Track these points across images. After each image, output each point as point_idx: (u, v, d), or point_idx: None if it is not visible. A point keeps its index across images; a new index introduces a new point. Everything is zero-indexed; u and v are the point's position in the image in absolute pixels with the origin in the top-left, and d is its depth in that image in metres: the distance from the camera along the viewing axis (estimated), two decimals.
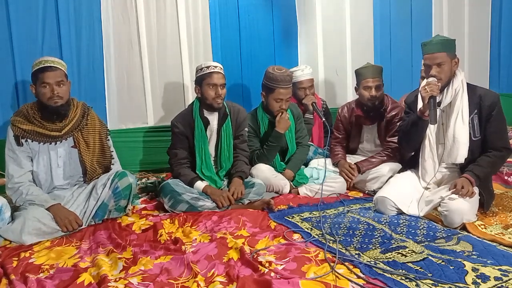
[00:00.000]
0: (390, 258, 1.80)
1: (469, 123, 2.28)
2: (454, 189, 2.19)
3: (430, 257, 1.78)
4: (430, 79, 2.27)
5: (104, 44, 3.19)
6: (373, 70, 2.91)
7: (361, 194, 2.84)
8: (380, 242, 1.98)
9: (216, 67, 2.68)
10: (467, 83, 2.35)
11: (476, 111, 2.29)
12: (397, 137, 2.80)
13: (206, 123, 2.71)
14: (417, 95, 2.41)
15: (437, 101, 2.31)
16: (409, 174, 2.55)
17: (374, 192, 2.69)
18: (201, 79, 2.67)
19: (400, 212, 2.36)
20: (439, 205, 2.23)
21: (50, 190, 2.40)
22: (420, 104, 2.33)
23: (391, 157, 2.91)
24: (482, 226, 2.12)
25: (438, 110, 2.33)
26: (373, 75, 2.89)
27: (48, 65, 2.27)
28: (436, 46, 2.28)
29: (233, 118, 2.80)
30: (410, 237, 2.04)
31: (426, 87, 2.24)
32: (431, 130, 2.38)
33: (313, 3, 4.04)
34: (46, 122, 2.32)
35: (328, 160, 3.07)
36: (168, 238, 2.10)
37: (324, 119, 3.17)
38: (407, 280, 1.60)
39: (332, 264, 1.74)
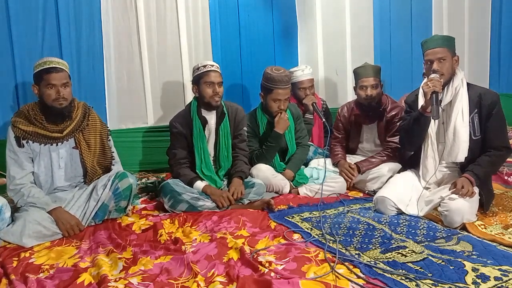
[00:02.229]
0: (390, 258, 1.80)
1: (469, 122, 2.28)
2: (454, 189, 2.20)
3: (430, 257, 1.78)
4: (432, 75, 2.28)
5: (104, 44, 3.19)
6: (369, 69, 2.91)
7: (361, 194, 2.84)
8: (380, 242, 1.98)
9: (212, 65, 2.69)
10: (467, 83, 2.36)
11: (476, 110, 2.29)
12: (397, 137, 2.80)
13: (204, 122, 2.71)
14: (417, 95, 2.41)
15: (439, 98, 2.31)
16: (409, 174, 2.55)
17: (374, 192, 2.69)
18: (198, 78, 2.68)
19: (400, 212, 2.36)
20: (439, 205, 2.23)
21: (51, 191, 2.39)
22: (421, 101, 2.33)
23: (391, 157, 2.91)
24: (482, 226, 2.12)
25: (439, 108, 2.33)
26: (369, 74, 2.89)
27: (54, 66, 2.26)
28: (437, 41, 2.32)
29: (231, 118, 2.80)
30: (410, 237, 2.04)
31: (428, 82, 2.25)
32: (432, 129, 2.39)
33: (313, 3, 4.04)
34: (48, 124, 2.31)
35: (328, 160, 3.07)
36: (168, 238, 2.10)
37: (324, 120, 3.17)
38: (407, 280, 1.60)
39: (332, 264, 1.74)
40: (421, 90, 2.35)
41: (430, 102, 2.24)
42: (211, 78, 2.65)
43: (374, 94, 2.90)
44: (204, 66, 2.68)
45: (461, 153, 2.28)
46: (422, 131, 2.39)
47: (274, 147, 2.92)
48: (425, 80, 2.31)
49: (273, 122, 2.93)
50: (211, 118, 2.74)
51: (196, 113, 2.71)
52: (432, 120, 2.34)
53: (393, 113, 2.95)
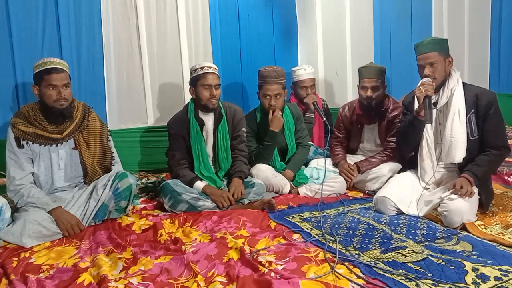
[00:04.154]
0: (390, 258, 1.80)
1: (466, 122, 2.28)
2: (453, 189, 2.20)
3: (430, 257, 1.78)
4: (425, 79, 2.29)
5: (104, 44, 3.19)
6: (372, 70, 2.90)
7: (361, 194, 2.84)
8: (380, 242, 1.98)
9: (210, 67, 2.67)
10: (463, 83, 2.36)
11: (473, 110, 2.29)
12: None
13: (201, 124, 2.70)
14: (414, 96, 2.42)
15: (434, 101, 2.33)
16: (409, 174, 2.55)
17: (374, 192, 2.69)
18: (196, 80, 2.66)
19: (400, 212, 2.36)
20: (439, 205, 2.23)
21: (51, 191, 2.39)
22: (417, 105, 2.34)
23: (391, 157, 2.91)
24: (482, 226, 2.13)
25: (434, 110, 2.35)
26: (371, 75, 2.88)
27: (54, 66, 2.26)
28: (427, 46, 2.32)
29: (229, 119, 2.80)
30: (410, 237, 2.04)
31: (420, 87, 2.27)
32: (429, 130, 2.39)
33: (313, 3, 4.04)
34: (48, 125, 2.31)
35: (328, 160, 3.07)
36: (168, 238, 2.10)
37: (324, 119, 3.17)
38: (407, 280, 1.60)
39: (332, 264, 1.74)
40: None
41: (423, 107, 2.25)
42: (208, 80, 2.63)
43: (374, 96, 2.89)
44: (202, 68, 2.66)
45: (459, 154, 2.28)
46: (417, 134, 2.40)
47: (270, 146, 2.93)
48: (418, 84, 2.32)
49: (265, 118, 2.95)
50: (209, 119, 2.74)
51: (193, 114, 2.70)
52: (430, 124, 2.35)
53: (395, 113, 2.94)
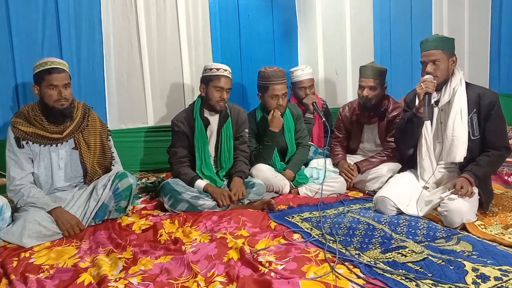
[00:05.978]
0: (390, 258, 1.80)
1: (468, 122, 2.28)
2: (454, 189, 2.19)
3: (430, 257, 1.78)
4: (426, 76, 2.29)
5: (104, 44, 3.19)
6: (370, 70, 2.89)
7: (361, 194, 2.84)
8: (380, 242, 1.98)
9: (225, 70, 2.68)
10: (466, 82, 2.36)
11: (475, 110, 2.29)
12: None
13: (206, 123, 2.71)
14: (416, 94, 2.42)
15: (435, 99, 2.33)
16: (408, 174, 2.55)
17: (374, 192, 2.69)
18: (209, 79, 2.66)
19: (400, 212, 2.36)
20: (439, 205, 2.23)
21: (51, 191, 2.39)
22: (417, 102, 2.34)
23: (391, 157, 2.91)
24: (482, 226, 2.13)
25: (436, 108, 2.35)
26: (368, 75, 2.87)
27: (55, 66, 2.26)
28: (432, 43, 2.31)
29: (233, 119, 2.80)
30: (410, 237, 2.04)
31: (421, 83, 2.27)
32: (428, 129, 2.39)
33: (313, 3, 4.04)
34: (48, 124, 2.31)
35: (328, 160, 3.07)
36: (168, 238, 2.10)
37: (324, 119, 3.17)
38: (407, 280, 1.61)
39: (332, 264, 1.74)
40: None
41: (423, 103, 2.25)
42: (221, 83, 2.64)
43: (370, 96, 2.88)
44: (218, 69, 2.66)
45: (460, 153, 2.28)
46: (415, 131, 2.40)
47: (270, 146, 2.93)
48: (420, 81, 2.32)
49: (266, 119, 2.94)
50: (214, 119, 2.74)
51: (199, 113, 2.70)
52: (429, 121, 2.34)
53: (395, 113, 2.94)
